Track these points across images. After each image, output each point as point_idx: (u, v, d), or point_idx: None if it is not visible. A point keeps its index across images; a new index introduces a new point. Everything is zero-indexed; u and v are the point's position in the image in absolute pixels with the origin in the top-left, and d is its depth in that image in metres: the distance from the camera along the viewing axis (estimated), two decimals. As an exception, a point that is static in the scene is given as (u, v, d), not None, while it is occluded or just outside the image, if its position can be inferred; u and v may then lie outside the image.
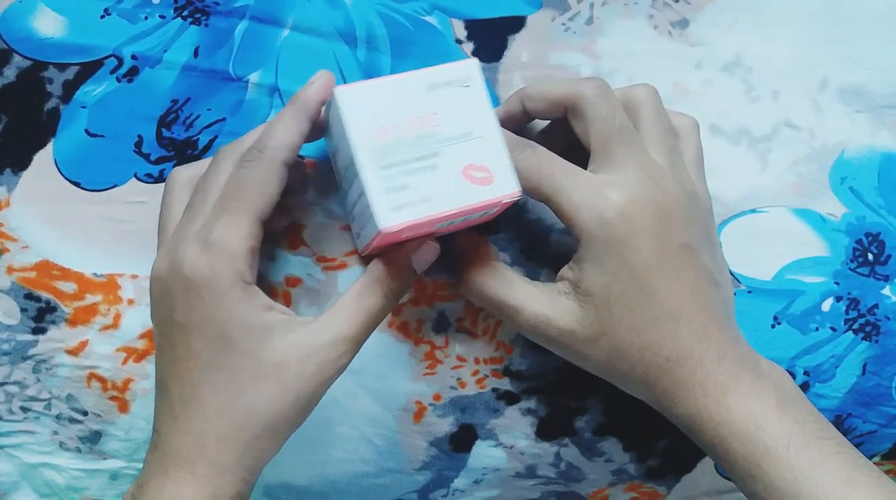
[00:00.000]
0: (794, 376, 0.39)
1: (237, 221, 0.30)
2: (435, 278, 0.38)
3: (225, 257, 0.30)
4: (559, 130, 0.34)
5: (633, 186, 0.30)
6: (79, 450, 0.40)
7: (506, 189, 0.30)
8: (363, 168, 0.29)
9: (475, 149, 0.30)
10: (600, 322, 0.31)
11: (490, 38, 0.38)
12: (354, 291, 0.31)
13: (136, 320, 0.37)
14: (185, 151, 0.37)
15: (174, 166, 0.37)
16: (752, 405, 0.31)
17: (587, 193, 0.31)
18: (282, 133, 0.31)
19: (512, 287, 0.33)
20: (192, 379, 0.30)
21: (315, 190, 0.37)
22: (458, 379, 0.39)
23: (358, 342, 0.31)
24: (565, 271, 0.32)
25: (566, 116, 0.32)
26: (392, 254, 0.32)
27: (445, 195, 0.29)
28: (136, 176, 0.37)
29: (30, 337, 0.37)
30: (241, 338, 0.30)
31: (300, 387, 0.30)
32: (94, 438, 0.39)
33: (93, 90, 0.36)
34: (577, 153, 0.32)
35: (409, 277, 0.32)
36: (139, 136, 0.37)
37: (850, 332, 0.39)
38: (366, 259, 0.37)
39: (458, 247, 0.35)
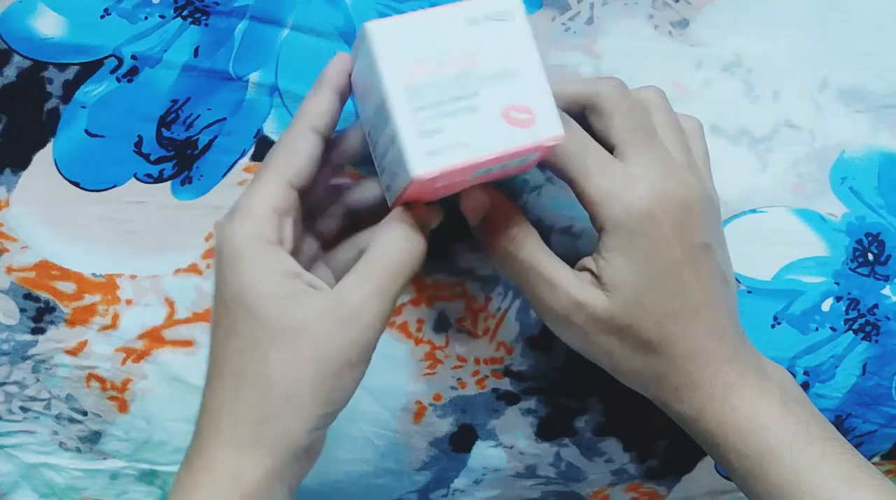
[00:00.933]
0: (793, 376, 0.39)
1: (262, 183, 0.29)
2: (435, 279, 0.38)
3: (246, 217, 0.29)
4: None
5: (661, 182, 0.30)
6: (78, 450, 0.40)
7: (549, 131, 0.28)
8: (395, 110, 0.27)
9: (517, 88, 0.28)
10: (626, 313, 0.31)
11: (490, 38, 0.37)
12: (379, 249, 0.29)
13: (135, 320, 0.37)
14: (185, 151, 0.37)
15: (173, 167, 0.37)
16: (757, 405, 0.31)
17: (617, 184, 0.30)
18: (306, 102, 0.30)
19: (550, 259, 0.32)
20: (213, 349, 0.29)
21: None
22: (458, 379, 0.39)
23: (389, 300, 0.29)
24: (588, 261, 0.32)
25: (580, 115, 0.32)
26: (414, 206, 0.30)
27: (484, 139, 0.27)
28: (135, 176, 0.37)
29: (29, 337, 0.37)
30: (257, 301, 0.28)
31: (320, 351, 0.28)
32: (94, 438, 0.39)
33: (93, 90, 0.36)
34: None
35: (435, 221, 0.31)
36: (139, 136, 0.37)
37: (850, 332, 0.39)
38: None
39: (488, 212, 0.34)
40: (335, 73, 0.30)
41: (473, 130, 0.27)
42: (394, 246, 0.29)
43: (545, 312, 0.32)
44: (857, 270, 0.39)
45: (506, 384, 0.39)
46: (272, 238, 0.29)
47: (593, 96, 0.32)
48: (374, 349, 0.29)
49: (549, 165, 0.31)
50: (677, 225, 0.30)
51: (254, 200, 0.29)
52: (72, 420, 0.39)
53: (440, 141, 0.27)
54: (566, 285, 0.31)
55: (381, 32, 0.27)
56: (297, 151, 0.30)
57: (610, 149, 0.31)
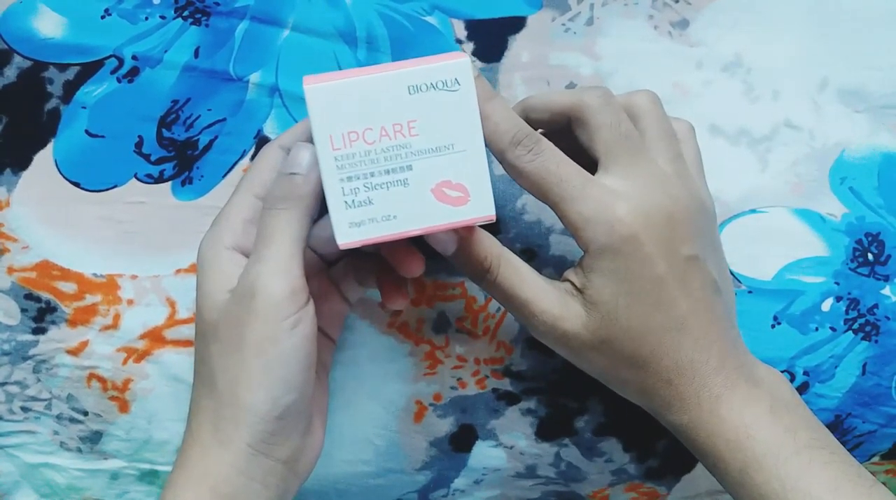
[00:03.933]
0: (793, 376, 0.39)
1: (232, 196, 0.32)
2: (435, 278, 0.38)
3: (214, 226, 0.31)
4: (558, 140, 0.34)
5: (644, 198, 0.30)
6: (79, 450, 0.40)
7: (481, 212, 0.28)
8: (324, 177, 0.27)
9: (453, 164, 0.27)
10: (606, 330, 0.31)
11: (490, 39, 0.38)
12: (262, 229, 0.30)
13: (136, 320, 0.37)
14: (186, 152, 0.37)
15: (173, 167, 0.37)
16: (745, 415, 0.31)
17: (597, 206, 0.30)
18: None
19: (525, 280, 0.32)
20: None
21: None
22: (458, 379, 0.39)
23: (291, 278, 0.29)
24: (570, 274, 0.32)
25: (568, 126, 0.32)
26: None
27: (412, 214, 0.27)
28: (136, 176, 0.37)
29: (30, 337, 0.37)
30: (204, 304, 0.30)
31: (255, 348, 0.29)
32: (95, 438, 0.39)
33: (93, 91, 0.36)
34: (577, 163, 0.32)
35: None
36: (139, 136, 0.37)
37: (850, 332, 0.39)
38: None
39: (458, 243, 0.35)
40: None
41: (402, 204, 0.27)
42: (272, 221, 0.30)
43: (530, 328, 0.33)
44: (857, 270, 0.39)
45: (506, 384, 0.39)
46: (229, 243, 0.31)
47: (578, 108, 0.31)
48: (312, 343, 0.30)
49: (528, 190, 0.31)
50: (661, 241, 0.30)
51: (224, 210, 0.32)
52: (73, 420, 0.39)
53: (367, 213, 0.27)
54: (544, 303, 0.32)
55: (319, 94, 0.26)
56: (263, 167, 0.32)
57: (595, 162, 0.31)
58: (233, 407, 0.29)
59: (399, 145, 0.27)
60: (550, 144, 0.31)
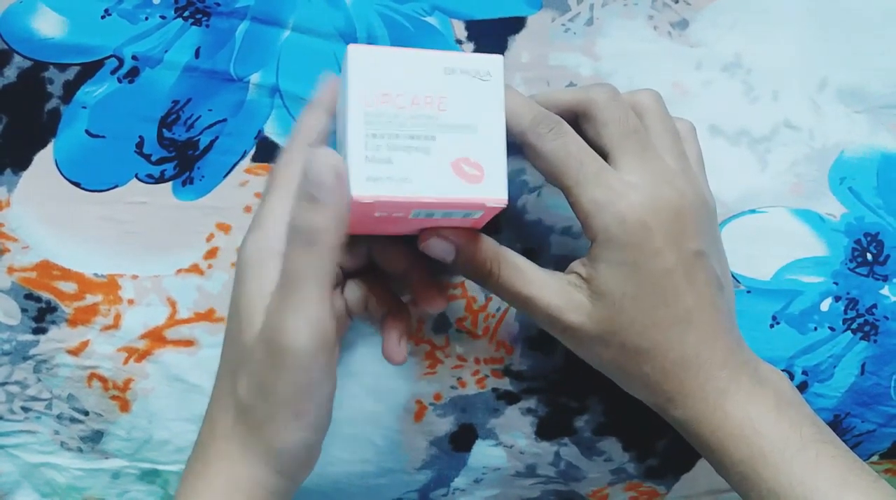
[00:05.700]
0: (792, 375, 0.39)
1: (269, 199, 0.31)
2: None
3: (256, 229, 0.30)
4: None
5: (654, 190, 0.30)
6: (80, 450, 0.40)
7: (493, 193, 0.28)
8: (350, 130, 0.27)
9: (474, 144, 0.28)
10: (611, 322, 0.31)
11: (490, 39, 0.38)
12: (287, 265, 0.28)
13: (137, 320, 0.37)
14: (186, 152, 0.37)
15: (174, 167, 0.37)
16: (750, 410, 0.31)
17: (611, 194, 0.30)
18: (302, 121, 0.33)
19: (526, 278, 0.32)
20: (221, 353, 0.32)
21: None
22: (458, 379, 0.39)
23: (320, 310, 0.27)
24: (577, 265, 0.32)
25: (573, 123, 0.32)
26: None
27: (427, 181, 0.28)
28: (136, 177, 0.37)
29: (30, 337, 0.37)
30: (244, 313, 0.29)
31: (291, 369, 0.28)
32: (96, 437, 0.39)
33: (93, 91, 0.36)
34: None
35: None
36: (140, 136, 0.37)
37: (849, 332, 0.39)
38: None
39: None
40: (327, 93, 0.32)
41: (420, 170, 0.28)
42: (298, 260, 0.27)
43: (537, 322, 0.33)
44: (856, 270, 0.39)
45: (506, 384, 0.39)
46: (276, 248, 0.29)
47: (585, 104, 0.32)
48: (337, 360, 0.30)
49: (545, 171, 0.31)
50: (670, 234, 0.30)
51: (263, 214, 0.31)
52: (73, 420, 0.39)
53: (385, 171, 0.27)
54: (547, 298, 0.32)
55: (360, 56, 0.28)
56: (298, 168, 0.30)
57: (603, 157, 0.31)
58: (263, 441, 0.29)
59: (427, 115, 0.28)
60: (571, 128, 0.31)
